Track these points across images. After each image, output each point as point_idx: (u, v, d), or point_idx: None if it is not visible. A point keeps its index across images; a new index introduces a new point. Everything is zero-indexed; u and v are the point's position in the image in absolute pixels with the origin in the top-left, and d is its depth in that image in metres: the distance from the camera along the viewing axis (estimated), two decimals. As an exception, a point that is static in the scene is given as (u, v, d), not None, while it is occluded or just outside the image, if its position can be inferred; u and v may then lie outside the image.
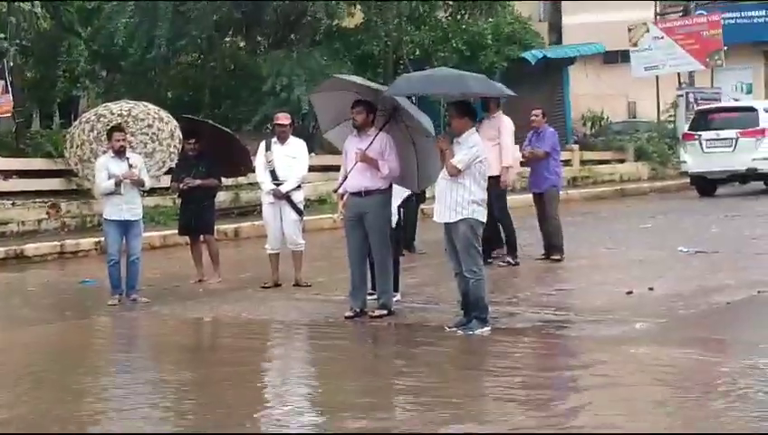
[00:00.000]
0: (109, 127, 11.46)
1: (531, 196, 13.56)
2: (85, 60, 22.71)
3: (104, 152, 11.38)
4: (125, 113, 11.88)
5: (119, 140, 11.06)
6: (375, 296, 9.88)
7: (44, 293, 12.64)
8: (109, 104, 12.63)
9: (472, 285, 8.80)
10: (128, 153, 11.13)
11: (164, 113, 12.17)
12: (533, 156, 13.11)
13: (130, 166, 11.04)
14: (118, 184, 10.95)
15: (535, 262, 12.83)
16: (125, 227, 11.10)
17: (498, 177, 12.25)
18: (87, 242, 15.72)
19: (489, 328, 8.81)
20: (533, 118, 13.23)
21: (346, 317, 9.62)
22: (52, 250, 15.43)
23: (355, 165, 9.56)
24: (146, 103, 12.48)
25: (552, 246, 12.93)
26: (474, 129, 9.00)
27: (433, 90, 9.61)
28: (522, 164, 13.82)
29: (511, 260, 12.67)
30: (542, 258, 12.87)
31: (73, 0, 20.66)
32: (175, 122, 12.09)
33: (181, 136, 12.04)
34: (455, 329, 8.88)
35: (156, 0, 21.91)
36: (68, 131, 12.90)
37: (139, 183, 11.11)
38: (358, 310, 9.66)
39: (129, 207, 11.09)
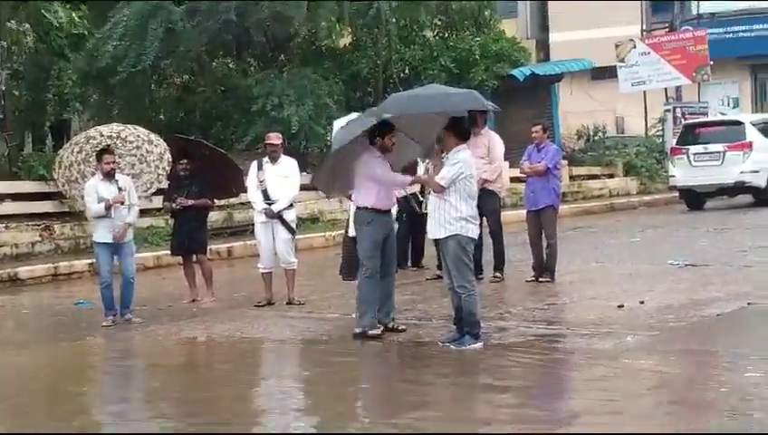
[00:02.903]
0: (97, 149, 11.48)
1: (520, 212, 13.44)
2: (74, 82, 22.78)
3: (92, 174, 11.42)
4: (114, 135, 11.91)
5: (108, 163, 11.08)
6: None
7: (39, 315, 12.69)
8: (99, 127, 12.69)
9: (464, 300, 8.88)
10: (117, 175, 11.18)
11: (154, 136, 12.18)
12: (533, 171, 12.60)
13: (120, 189, 11.07)
14: (108, 208, 11.00)
15: (526, 278, 12.85)
16: (116, 248, 11.14)
17: (491, 191, 12.34)
18: (81, 264, 15.77)
19: (481, 344, 8.87)
20: (534, 134, 12.71)
21: (375, 336, 9.51)
22: (46, 272, 15.48)
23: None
24: (136, 126, 12.50)
25: (546, 269, 12.55)
26: (463, 146, 9.04)
27: (420, 109, 9.67)
28: (514, 180, 13.68)
29: (499, 275, 12.74)
30: (531, 280, 12.54)
31: (66, 8, 20.64)
32: (165, 145, 12.07)
33: (170, 159, 12.02)
34: (447, 344, 8.95)
35: (153, 7, 21.91)
36: (59, 154, 12.96)
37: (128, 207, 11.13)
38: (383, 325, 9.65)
39: None
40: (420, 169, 10.53)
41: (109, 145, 11.54)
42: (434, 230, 9.05)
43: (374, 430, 6.57)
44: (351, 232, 10.29)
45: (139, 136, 12.04)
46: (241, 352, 9.61)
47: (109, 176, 11.07)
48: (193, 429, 6.88)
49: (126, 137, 11.95)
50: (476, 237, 9.22)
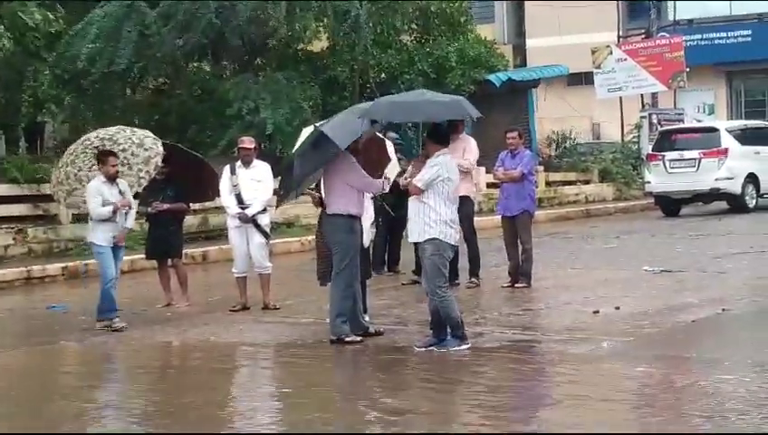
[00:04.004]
0: (87, 151, 11.44)
1: (495, 217, 13.39)
2: (49, 83, 22.61)
3: (75, 175, 11.36)
4: (107, 137, 11.74)
5: (114, 166, 11.00)
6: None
7: (12, 319, 12.59)
8: (100, 130, 12.44)
9: (438, 305, 8.86)
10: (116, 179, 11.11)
11: (149, 140, 11.72)
12: (509, 177, 12.56)
13: (121, 192, 11.02)
14: (115, 211, 10.92)
15: (502, 283, 12.82)
16: (114, 251, 11.12)
17: (466, 197, 12.34)
18: (54, 267, 15.65)
19: (468, 344, 8.84)
20: (511, 140, 12.64)
21: (353, 341, 9.46)
22: (18, 276, 15.34)
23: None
24: (134, 130, 12.19)
25: (522, 274, 12.48)
26: (444, 150, 9.03)
27: (403, 117, 9.62)
28: (490, 186, 13.67)
29: (475, 280, 12.72)
30: (508, 286, 12.47)
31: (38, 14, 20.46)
32: (157, 150, 11.60)
33: (159, 163, 11.77)
34: (423, 348, 8.93)
35: (129, 7, 21.79)
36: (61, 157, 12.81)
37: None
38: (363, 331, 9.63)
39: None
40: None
41: (112, 148, 11.37)
42: (413, 234, 9.04)
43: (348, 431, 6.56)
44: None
45: (130, 138, 11.76)
46: (215, 356, 9.56)
47: (111, 179, 10.99)
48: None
49: (117, 139, 11.75)
50: (456, 244, 9.19)
